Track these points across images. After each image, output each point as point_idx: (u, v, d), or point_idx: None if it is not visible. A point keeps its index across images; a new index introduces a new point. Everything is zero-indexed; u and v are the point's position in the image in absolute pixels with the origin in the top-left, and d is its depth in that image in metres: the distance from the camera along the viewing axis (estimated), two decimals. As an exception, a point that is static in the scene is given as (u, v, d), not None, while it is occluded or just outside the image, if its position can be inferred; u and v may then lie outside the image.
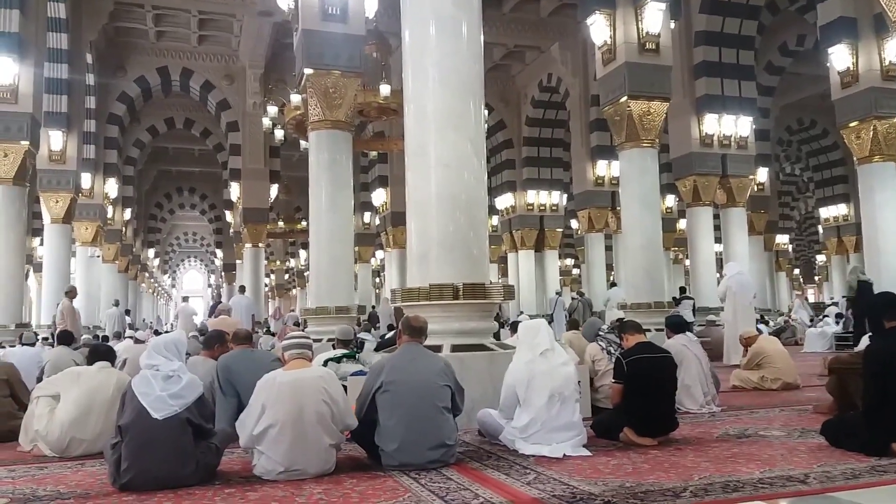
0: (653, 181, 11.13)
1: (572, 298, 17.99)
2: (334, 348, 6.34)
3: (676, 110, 13.54)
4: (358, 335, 8.21)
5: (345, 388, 4.45)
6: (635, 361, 4.64)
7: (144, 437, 3.54)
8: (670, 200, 19.68)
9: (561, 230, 21.53)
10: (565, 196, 21.50)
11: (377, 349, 7.39)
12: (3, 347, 8.75)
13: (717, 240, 15.58)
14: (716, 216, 15.03)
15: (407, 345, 4.20)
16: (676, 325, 6.43)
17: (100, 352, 5.13)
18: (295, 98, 12.95)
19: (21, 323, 12.13)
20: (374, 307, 19.59)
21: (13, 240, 11.92)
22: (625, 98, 10.93)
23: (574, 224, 23.58)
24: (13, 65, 11.66)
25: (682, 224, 19.55)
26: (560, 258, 24.60)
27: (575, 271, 36.68)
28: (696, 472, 3.61)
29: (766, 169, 18.96)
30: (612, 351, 5.74)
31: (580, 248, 21.87)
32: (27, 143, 11.83)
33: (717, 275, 15.00)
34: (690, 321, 11.86)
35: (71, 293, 12.39)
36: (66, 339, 7.95)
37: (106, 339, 11.86)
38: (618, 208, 15.06)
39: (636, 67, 10.97)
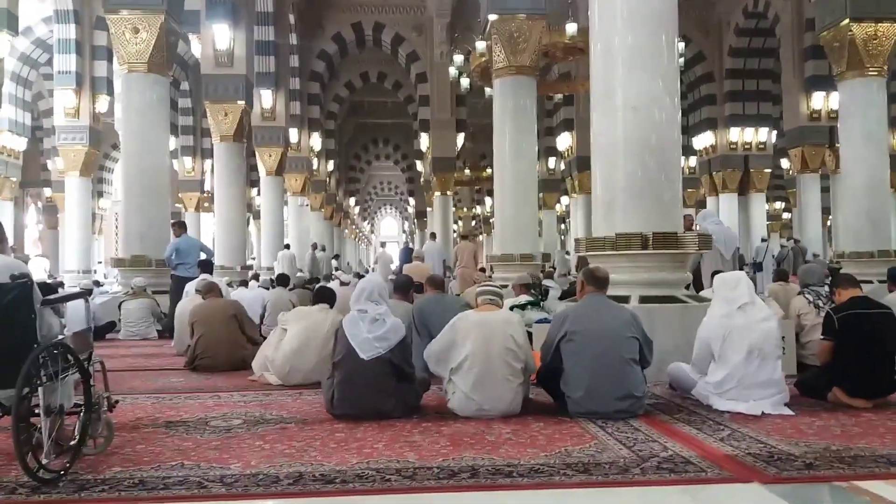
0: (879, 114, 9.87)
1: (781, 246, 16.57)
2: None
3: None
4: (543, 283, 8.27)
5: (529, 335, 4.57)
6: (847, 317, 4.23)
7: (353, 374, 3.93)
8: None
9: (769, 170, 19.70)
10: (774, 133, 19.55)
11: (561, 298, 7.41)
12: (232, 287, 9.96)
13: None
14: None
15: (591, 295, 4.19)
16: (902, 278, 5.73)
17: (322, 294, 5.72)
18: (480, 45, 12.99)
19: (245, 265, 13.72)
20: (561, 253, 19.52)
21: (235, 191, 13.42)
22: (846, 21, 9.64)
23: (784, 164, 21.51)
24: (228, 30, 12.91)
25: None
26: (768, 202, 22.61)
27: (785, 216, 33.55)
28: (919, 441, 3.27)
29: None
30: (821, 305, 5.26)
31: (791, 190, 19.95)
32: (243, 102, 13.13)
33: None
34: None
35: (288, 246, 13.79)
36: (283, 281, 8.92)
37: (317, 280, 13.05)
38: (837, 145, 13.48)
39: (861, -16, 9.61)
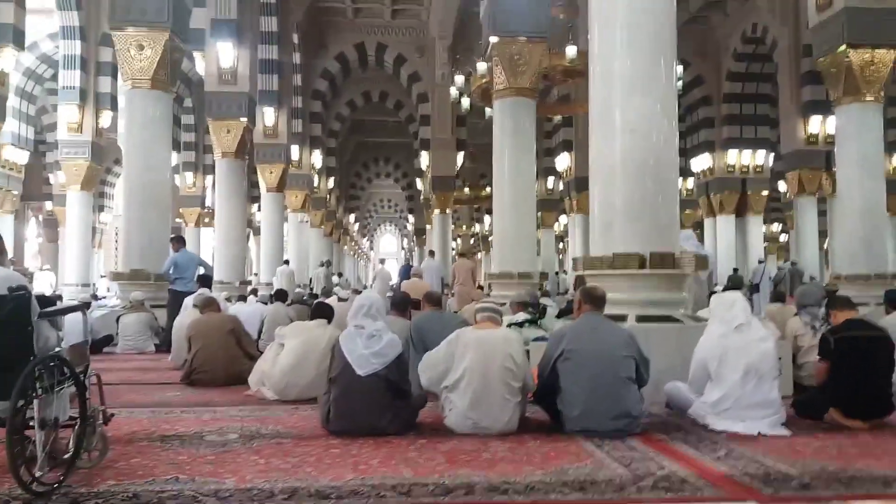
0: (876, 139, 9.91)
1: (778, 268, 16.63)
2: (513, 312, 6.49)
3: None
4: (540, 301, 8.28)
5: (527, 353, 4.58)
6: (843, 339, 4.25)
7: (349, 390, 3.93)
8: (899, 160, 17.34)
9: (766, 193, 19.80)
10: (772, 156, 19.69)
11: (558, 316, 7.41)
12: (230, 302, 9.95)
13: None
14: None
15: (588, 314, 4.20)
16: (898, 301, 5.75)
17: (320, 310, 5.75)
18: (481, 67, 13.12)
19: (244, 280, 13.72)
20: (556, 273, 19.55)
21: (236, 207, 13.47)
22: (843, 47, 9.75)
23: (782, 187, 21.60)
24: (232, 49, 13.04)
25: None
26: (765, 224, 22.69)
27: (782, 238, 33.62)
28: (916, 464, 3.27)
29: None
30: (817, 326, 5.27)
31: (788, 212, 20.03)
32: (245, 119, 13.22)
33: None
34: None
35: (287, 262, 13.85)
36: (281, 296, 8.92)
37: (315, 296, 13.05)
38: (833, 169, 13.57)
39: (857, 12, 9.70)
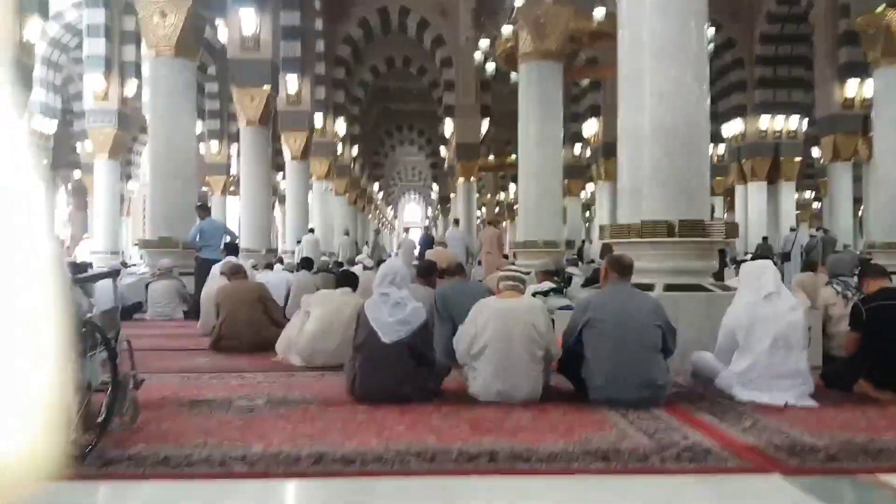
0: (915, 102, 9.59)
1: (810, 236, 16.31)
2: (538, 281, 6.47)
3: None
4: (566, 270, 8.24)
5: (552, 321, 4.56)
6: (876, 309, 4.16)
7: (374, 357, 3.96)
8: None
9: (799, 159, 19.36)
10: (806, 121, 19.18)
11: (584, 285, 7.37)
12: (257, 270, 10.06)
13: None
14: None
15: (614, 283, 4.16)
16: (934, 270, 5.60)
17: (346, 278, 5.80)
18: (506, 30, 12.88)
19: (270, 248, 13.84)
20: (583, 241, 19.41)
21: (261, 175, 13.53)
22: (882, 7, 9.39)
23: (815, 152, 21.10)
24: (254, 15, 12.96)
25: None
26: (797, 191, 22.21)
27: (815, 205, 32.97)
28: (947, 436, 3.21)
29: None
30: (849, 295, 5.17)
31: (822, 179, 19.57)
32: (269, 87, 13.19)
33: None
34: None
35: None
36: (307, 265, 8.98)
37: (341, 264, 13.14)
38: (870, 134, 13.19)
39: (899, -32, 9.35)
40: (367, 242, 22.70)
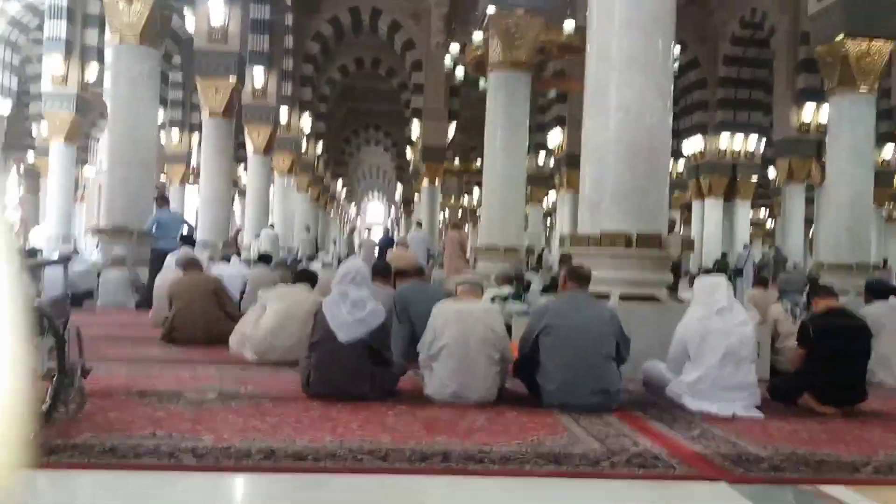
0: (867, 131, 9.94)
1: (762, 253, 16.77)
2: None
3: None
4: (525, 276, 8.31)
5: (510, 327, 4.60)
6: (822, 327, 4.30)
7: (331, 356, 3.93)
8: (889, 151, 17.42)
9: (755, 179, 19.89)
10: (763, 142, 19.75)
11: (543, 291, 7.44)
12: (213, 261, 9.88)
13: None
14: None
15: (572, 291, 4.23)
16: (878, 291, 5.82)
17: (304, 274, 5.78)
18: (477, 37, 12.95)
19: (227, 241, 13.61)
20: (543, 249, 19.59)
21: (222, 168, 13.30)
22: (841, 36, 9.72)
23: (771, 173, 21.69)
24: (223, 6, 12.77)
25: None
26: (752, 209, 22.79)
27: (769, 224, 33.88)
28: (883, 449, 3.33)
29: None
30: (798, 313, 5.34)
31: (777, 198, 20.13)
32: (234, 79, 12.99)
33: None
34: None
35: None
36: (265, 259, 8.87)
37: (299, 261, 13.01)
38: (823, 158, 13.64)
39: (857, 2, 9.67)
40: (334, 241, 22.46)
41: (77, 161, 18.48)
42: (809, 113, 15.96)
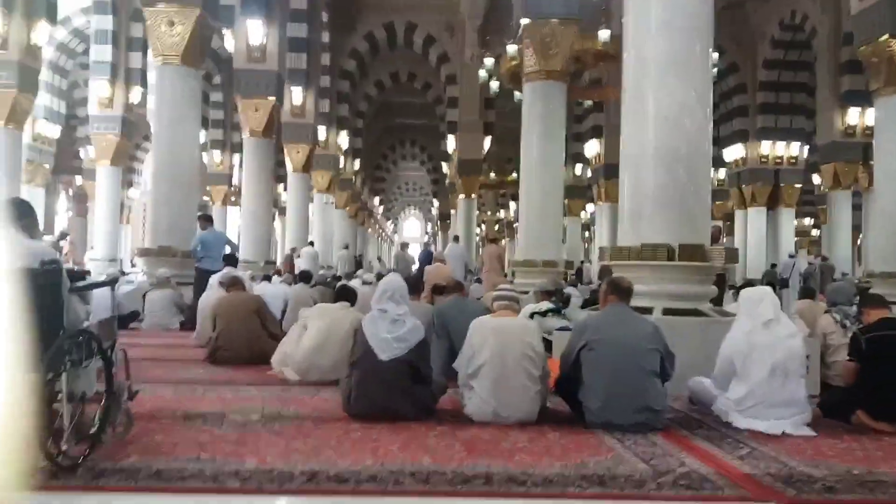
0: (916, 132, 9.61)
1: (808, 263, 16.30)
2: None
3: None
4: (565, 290, 8.22)
5: (549, 342, 4.54)
6: (875, 339, 4.14)
7: (370, 374, 3.93)
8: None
9: (800, 185, 19.39)
10: (806, 147, 19.26)
11: (583, 306, 7.36)
12: (255, 281, 10.03)
13: None
14: None
15: (613, 305, 4.15)
16: (933, 301, 5.59)
17: (344, 292, 5.78)
18: (511, 49, 12.95)
19: (268, 260, 13.82)
20: (582, 262, 19.39)
21: (262, 187, 13.55)
22: (886, 36, 9.45)
23: (816, 179, 21.14)
24: (261, 26, 13.04)
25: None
26: (797, 217, 22.22)
27: (814, 232, 32.99)
28: (945, 470, 3.19)
29: None
30: (848, 325, 5.16)
31: (821, 206, 19.58)
32: (274, 98, 13.24)
33: None
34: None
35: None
36: (305, 278, 8.97)
37: (339, 278, 13.11)
38: (871, 162, 13.23)
39: (902, -1, 9.41)
40: (378, 258, 22.56)
41: (123, 183, 19.01)
42: (855, 116, 15.53)
